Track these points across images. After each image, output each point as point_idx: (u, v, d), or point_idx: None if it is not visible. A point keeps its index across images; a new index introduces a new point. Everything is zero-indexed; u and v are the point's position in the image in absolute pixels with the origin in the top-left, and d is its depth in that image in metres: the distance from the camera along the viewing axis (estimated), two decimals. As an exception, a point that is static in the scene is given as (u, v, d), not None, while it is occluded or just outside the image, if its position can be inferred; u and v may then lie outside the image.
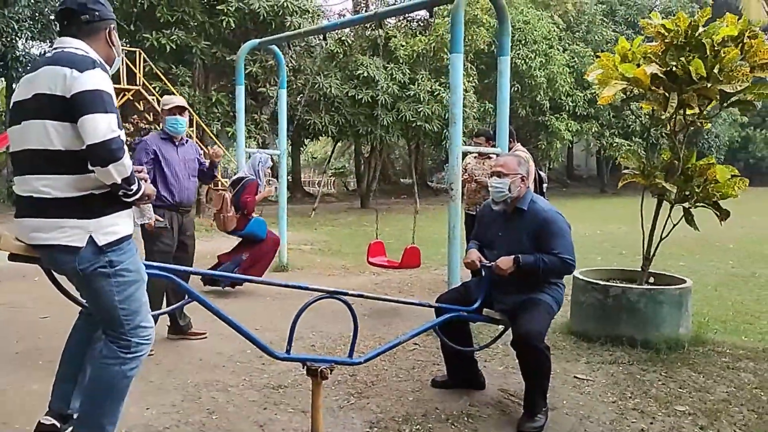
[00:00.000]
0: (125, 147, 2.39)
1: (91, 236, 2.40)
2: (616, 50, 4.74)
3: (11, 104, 2.55)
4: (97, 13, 2.54)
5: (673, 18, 4.56)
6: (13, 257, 2.50)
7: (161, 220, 4.47)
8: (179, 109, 4.76)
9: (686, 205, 4.71)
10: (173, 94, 14.53)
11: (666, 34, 4.52)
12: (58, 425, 2.68)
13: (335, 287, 3.26)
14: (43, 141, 2.38)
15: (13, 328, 5.09)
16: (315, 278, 7.59)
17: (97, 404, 2.51)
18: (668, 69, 4.46)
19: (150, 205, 2.77)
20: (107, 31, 2.58)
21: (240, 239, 6.86)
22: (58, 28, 2.60)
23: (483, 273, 3.69)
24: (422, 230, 11.05)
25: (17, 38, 14.92)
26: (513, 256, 3.41)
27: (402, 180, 31.26)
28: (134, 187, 2.45)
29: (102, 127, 2.30)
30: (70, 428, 2.68)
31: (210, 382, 3.87)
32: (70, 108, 2.33)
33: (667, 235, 4.70)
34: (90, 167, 2.35)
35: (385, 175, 26.66)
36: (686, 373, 4.08)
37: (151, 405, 3.48)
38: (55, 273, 2.61)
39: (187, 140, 4.93)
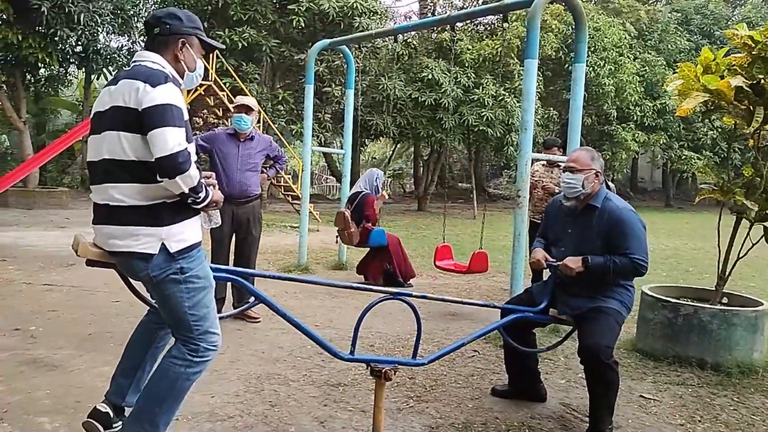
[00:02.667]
0: (192, 159, 2.44)
1: (163, 243, 2.47)
2: (698, 61, 4.57)
3: (92, 113, 2.62)
4: (168, 26, 2.58)
5: (761, 29, 4.37)
6: (90, 263, 2.59)
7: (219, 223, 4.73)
8: (245, 108, 5.07)
9: (767, 224, 4.50)
10: (242, 90, 14.90)
11: (753, 45, 4.33)
12: (111, 415, 2.75)
13: (392, 289, 3.26)
14: (117, 151, 2.45)
15: (86, 311, 5.32)
16: (373, 278, 7.61)
17: (155, 401, 2.55)
18: (755, 82, 4.27)
19: (217, 211, 2.82)
20: (177, 45, 2.61)
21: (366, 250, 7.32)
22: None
23: (549, 272, 3.60)
24: (479, 236, 10.96)
25: (98, 32, 15.55)
26: (582, 257, 3.30)
27: (459, 184, 31.06)
28: (202, 195, 2.51)
29: (170, 141, 2.36)
30: (120, 422, 2.74)
31: (271, 375, 3.94)
32: (141, 121, 2.39)
33: (744, 255, 4.50)
34: (159, 179, 2.42)
35: (443, 178, 26.53)
36: (759, 399, 3.90)
37: (215, 393, 3.57)
38: (129, 277, 2.69)
39: (254, 136, 5.15)
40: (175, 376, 2.55)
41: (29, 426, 3.05)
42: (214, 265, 2.85)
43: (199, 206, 2.55)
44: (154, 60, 2.55)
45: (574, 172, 3.39)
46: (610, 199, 3.40)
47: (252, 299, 3.23)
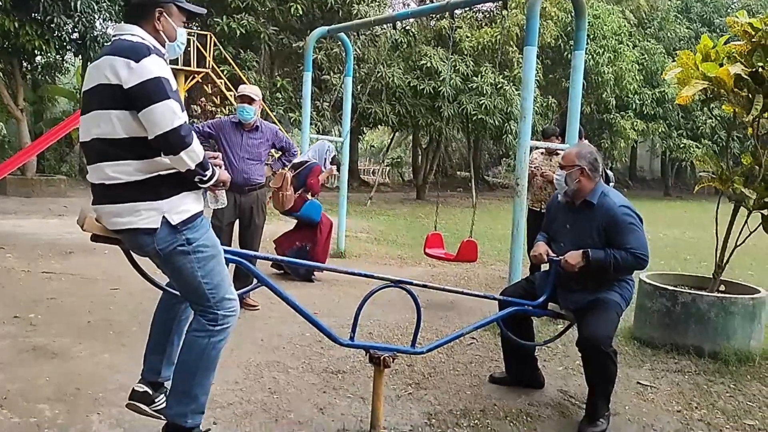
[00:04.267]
0: (193, 132, 2.41)
1: (164, 217, 2.44)
2: (697, 49, 4.56)
3: (82, 93, 2.57)
4: None
5: (762, 17, 4.35)
6: (95, 238, 2.57)
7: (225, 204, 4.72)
8: (248, 98, 5.06)
9: (765, 212, 4.50)
10: (241, 78, 14.84)
11: (753, 33, 4.32)
12: (150, 392, 2.78)
13: (393, 277, 3.27)
14: (108, 130, 2.41)
15: (85, 299, 5.32)
16: (371, 267, 7.62)
17: (188, 375, 2.59)
18: (754, 70, 4.26)
19: (224, 191, 2.78)
20: (155, 15, 2.50)
21: (294, 224, 7.00)
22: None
23: (550, 267, 3.61)
24: (479, 225, 10.94)
25: (95, 19, 15.43)
26: (582, 251, 3.32)
27: (458, 173, 31.03)
28: (209, 173, 2.49)
29: (168, 115, 2.32)
30: (162, 396, 2.78)
31: (271, 363, 3.95)
32: (130, 98, 2.34)
33: (742, 243, 4.51)
34: (163, 156, 2.38)
35: (442, 167, 26.51)
36: (756, 387, 3.92)
37: (214, 381, 3.52)
38: (134, 255, 2.68)
39: (259, 126, 5.15)
40: (201, 348, 2.58)
41: (29, 413, 3.07)
42: (222, 247, 2.84)
43: (205, 185, 2.53)
44: (133, 32, 2.46)
45: (562, 168, 3.49)
46: (606, 195, 3.42)
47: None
